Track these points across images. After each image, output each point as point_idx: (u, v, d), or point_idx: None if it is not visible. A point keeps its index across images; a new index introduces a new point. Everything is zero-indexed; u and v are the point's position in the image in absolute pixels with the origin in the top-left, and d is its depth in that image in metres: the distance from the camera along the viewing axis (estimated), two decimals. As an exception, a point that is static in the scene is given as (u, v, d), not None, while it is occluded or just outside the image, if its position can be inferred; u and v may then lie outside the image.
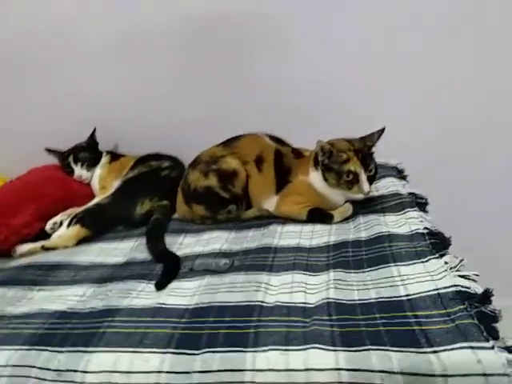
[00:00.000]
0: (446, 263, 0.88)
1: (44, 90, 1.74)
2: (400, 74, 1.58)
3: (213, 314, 0.86)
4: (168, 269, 1.07)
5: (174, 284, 1.01)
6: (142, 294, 0.98)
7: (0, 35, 1.69)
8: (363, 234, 1.10)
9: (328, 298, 0.85)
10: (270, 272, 0.99)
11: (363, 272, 0.94)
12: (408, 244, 0.99)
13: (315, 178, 1.25)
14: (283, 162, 1.31)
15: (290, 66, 1.62)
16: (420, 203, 1.20)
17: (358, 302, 0.83)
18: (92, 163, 1.64)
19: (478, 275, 0.82)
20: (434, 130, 1.62)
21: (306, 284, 0.93)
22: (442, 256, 0.91)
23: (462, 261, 0.86)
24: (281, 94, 1.63)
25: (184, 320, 0.85)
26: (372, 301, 0.83)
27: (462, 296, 0.77)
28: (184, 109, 1.71)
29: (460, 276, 0.82)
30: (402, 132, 1.60)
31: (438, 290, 0.80)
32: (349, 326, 0.76)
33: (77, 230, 1.35)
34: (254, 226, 1.27)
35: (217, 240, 1.21)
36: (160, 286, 1.00)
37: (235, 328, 0.80)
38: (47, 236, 1.39)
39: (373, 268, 0.94)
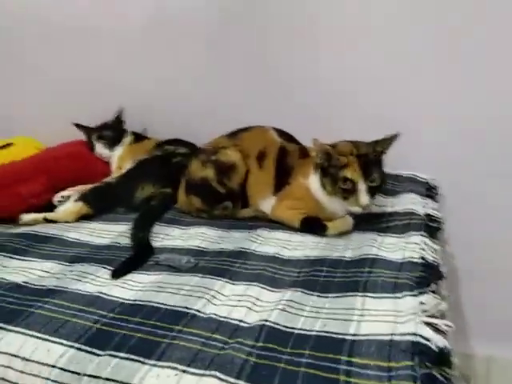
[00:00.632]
0: (421, 304, 0.71)
1: (80, 67, 1.78)
2: (436, 77, 1.37)
3: (142, 314, 0.78)
4: (132, 258, 1.01)
5: (131, 275, 0.95)
6: (96, 280, 0.94)
7: (30, 11, 1.75)
8: (348, 254, 0.95)
9: (267, 320, 0.73)
10: (228, 279, 0.89)
11: (325, 297, 0.80)
12: (391, 273, 0.83)
13: (314, 182, 1.11)
14: (286, 161, 1.19)
15: (316, 60, 1.48)
16: (432, 227, 1.02)
17: (297, 331, 0.70)
18: (114, 142, 1.64)
19: (450, 326, 0.64)
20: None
21: (258, 299, 0.81)
22: (421, 294, 0.74)
23: (439, 304, 0.69)
24: (308, 88, 1.49)
25: (111, 315, 0.78)
26: (313, 333, 0.69)
27: (417, 349, 0.61)
28: (212, 97, 1.65)
29: (428, 324, 0.66)
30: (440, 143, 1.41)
31: (392, 335, 0.65)
32: (269, 358, 0.64)
33: (79, 207, 1.35)
34: (245, 227, 1.17)
35: (200, 236, 1.13)
36: (116, 275, 0.95)
37: (153, 334, 0.72)
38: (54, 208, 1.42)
39: (338, 294, 0.80)
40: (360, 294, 0.78)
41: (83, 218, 1.35)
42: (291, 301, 0.79)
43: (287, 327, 0.71)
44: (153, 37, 1.66)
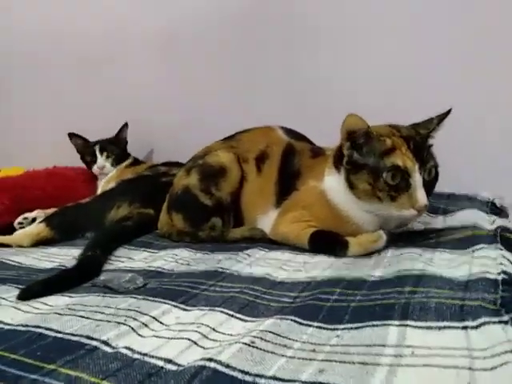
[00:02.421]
0: (519, 337, 0.35)
1: (82, 90, 1.63)
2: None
3: (10, 344, 0.46)
4: (57, 278, 0.71)
5: (50, 297, 0.64)
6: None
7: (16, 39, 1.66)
8: (378, 273, 0.59)
9: (211, 360, 0.38)
10: (181, 303, 0.56)
11: (333, 329, 0.44)
12: (452, 294, 0.47)
13: (332, 183, 0.78)
14: (293, 162, 0.88)
15: (351, 63, 1.23)
16: (509, 240, 0.65)
17: (263, 381, 0.35)
18: (118, 159, 1.42)
19: None
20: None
21: (213, 330, 0.47)
22: (516, 321, 0.37)
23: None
24: (341, 94, 1.23)
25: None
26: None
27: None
28: (231, 117, 1.41)
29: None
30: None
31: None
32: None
33: (38, 230, 1.08)
34: (234, 249, 0.83)
35: (169, 258, 0.81)
36: (24, 295, 0.64)
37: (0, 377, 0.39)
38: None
39: (355, 325, 0.44)
40: (396, 322, 0.42)
41: (44, 243, 1.07)
42: (269, 332, 0.44)
43: (247, 373, 0.36)
44: (161, 54, 1.50)
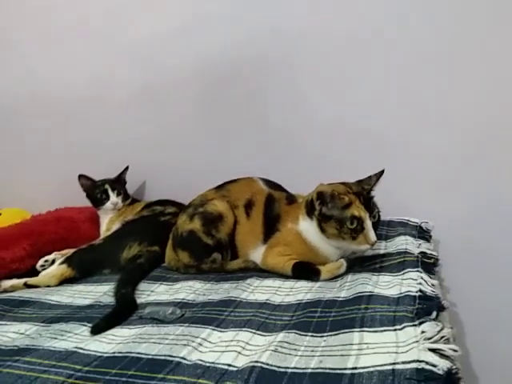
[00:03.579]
0: (422, 332, 0.66)
1: (74, 137, 1.83)
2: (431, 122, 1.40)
3: (121, 365, 0.71)
4: (113, 313, 0.95)
5: (112, 330, 0.89)
6: (73, 337, 0.87)
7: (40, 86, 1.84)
8: (343, 294, 0.90)
9: (257, 362, 0.66)
10: (216, 327, 0.83)
11: (321, 336, 0.74)
12: (389, 308, 0.78)
13: (306, 226, 1.08)
14: (274, 208, 1.17)
15: (309, 111, 1.52)
16: (427, 263, 0.98)
17: (290, 370, 0.64)
18: (126, 198, 1.63)
19: (456, 351, 0.59)
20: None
21: (248, 344, 0.75)
22: (422, 323, 0.68)
23: (441, 330, 0.64)
24: (303, 143, 1.52)
25: (86, 369, 0.71)
26: (308, 371, 0.63)
27: (423, 376, 0.55)
28: (204, 159, 1.67)
29: (432, 350, 0.60)
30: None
31: (394, 364, 0.59)
32: (260, 399, 0.57)
33: (62, 270, 1.30)
34: (234, 278, 1.12)
35: (187, 289, 1.08)
36: (95, 330, 0.88)
37: (131, 384, 0.65)
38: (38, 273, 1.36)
39: (334, 332, 0.74)
40: (357, 329, 0.72)
41: (67, 281, 1.29)
42: (284, 342, 0.73)
43: (280, 367, 0.65)
44: (145, 102, 1.72)
